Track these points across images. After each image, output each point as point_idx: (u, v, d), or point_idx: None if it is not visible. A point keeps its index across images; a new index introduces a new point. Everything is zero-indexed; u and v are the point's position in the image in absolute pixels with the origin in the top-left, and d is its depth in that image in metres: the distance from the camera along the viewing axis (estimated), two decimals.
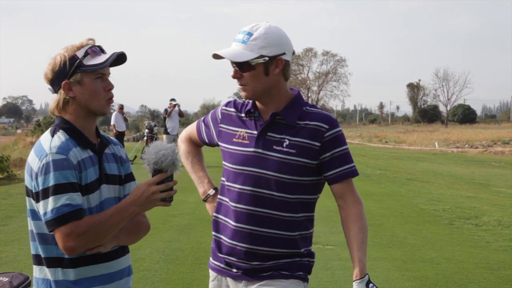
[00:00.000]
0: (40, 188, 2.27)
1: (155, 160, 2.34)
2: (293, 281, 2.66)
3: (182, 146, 3.05)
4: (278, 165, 2.61)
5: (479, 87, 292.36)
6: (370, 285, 2.53)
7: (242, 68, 2.61)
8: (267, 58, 2.58)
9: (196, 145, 3.04)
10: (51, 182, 2.25)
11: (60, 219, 2.24)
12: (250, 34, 2.59)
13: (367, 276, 2.55)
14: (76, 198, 2.27)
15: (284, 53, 2.62)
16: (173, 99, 19.55)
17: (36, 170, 2.29)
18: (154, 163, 2.35)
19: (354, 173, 2.68)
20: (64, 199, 2.24)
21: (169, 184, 2.37)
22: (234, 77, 2.65)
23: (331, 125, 2.64)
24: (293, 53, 2.73)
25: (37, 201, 2.30)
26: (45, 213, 2.26)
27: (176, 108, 19.35)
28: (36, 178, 2.29)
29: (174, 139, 19.01)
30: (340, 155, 2.64)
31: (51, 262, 2.36)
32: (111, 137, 2.64)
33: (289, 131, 2.64)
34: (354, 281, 2.55)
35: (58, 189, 2.24)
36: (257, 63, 2.58)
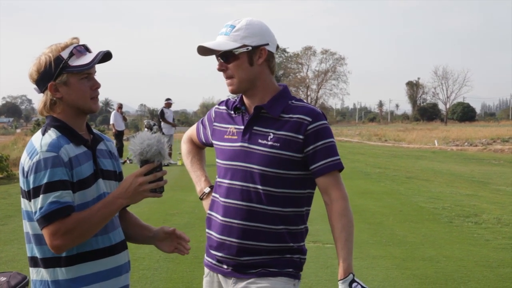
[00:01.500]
0: (31, 186, 2.27)
1: (140, 151, 2.34)
2: (281, 278, 2.66)
3: (183, 146, 3.11)
4: (263, 159, 2.62)
5: (478, 85, 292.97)
6: (354, 284, 2.49)
7: (226, 59, 2.64)
8: (250, 48, 2.62)
9: (196, 145, 3.08)
10: (42, 180, 2.25)
11: (47, 217, 2.24)
12: (232, 26, 2.65)
13: (351, 275, 2.52)
14: (65, 195, 2.26)
15: (267, 44, 2.66)
16: (169, 99, 20.13)
17: (27, 169, 2.29)
18: (139, 153, 2.34)
19: (338, 166, 2.65)
20: (52, 197, 2.24)
21: (157, 175, 2.35)
22: (219, 69, 2.69)
23: (314, 118, 2.64)
24: (277, 47, 2.75)
25: (29, 199, 2.30)
26: (35, 212, 2.27)
27: (171, 108, 19.97)
28: (27, 177, 2.29)
29: (169, 138, 19.51)
30: (323, 148, 2.63)
31: (48, 262, 2.35)
32: (104, 134, 2.64)
33: (273, 125, 2.65)
34: (338, 281, 2.55)
35: (49, 187, 2.24)
36: (241, 53, 2.62)
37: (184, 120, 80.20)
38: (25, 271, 3.93)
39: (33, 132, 39.32)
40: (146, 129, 20.03)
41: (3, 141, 36.59)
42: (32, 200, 2.28)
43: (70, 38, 2.43)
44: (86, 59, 2.39)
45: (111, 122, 20.92)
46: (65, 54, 2.37)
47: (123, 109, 22.14)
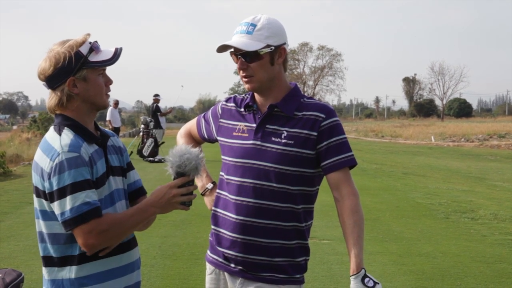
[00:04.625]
0: (55, 188, 2.25)
1: (179, 164, 2.35)
2: (289, 287, 2.68)
3: (181, 140, 3.08)
4: (277, 157, 2.62)
5: (475, 81, 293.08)
6: (366, 279, 2.50)
7: (249, 58, 2.63)
8: (273, 48, 2.63)
9: (194, 140, 3.06)
10: (67, 181, 2.23)
11: (80, 217, 2.23)
12: (254, 25, 2.63)
13: (363, 270, 2.53)
14: (92, 195, 2.27)
15: (285, 43, 2.68)
16: (157, 95, 20.59)
17: (49, 170, 2.26)
18: (177, 166, 2.36)
19: (351, 162, 2.66)
20: (82, 197, 2.23)
21: (190, 188, 2.38)
22: (240, 68, 2.66)
23: (327, 115, 2.65)
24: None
25: (52, 201, 2.27)
26: (62, 213, 2.25)
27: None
28: (49, 178, 2.26)
29: (163, 132, 19.99)
30: (336, 144, 2.64)
31: (64, 261, 2.34)
32: (108, 130, 2.63)
33: (287, 123, 2.66)
34: (350, 276, 2.55)
35: (75, 188, 2.23)
36: (265, 53, 2.62)
37: (181, 116, 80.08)
38: (21, 268, 3.92)
39: (29, 128, 39.24)
40: (142, 125, 20.08)
41: None
42: (56, 201, 2.25)
43: (84, 34, 2.42)
44: (105, 55, 2.40)
45: (108, 118, 20.94)
46: (84, 50, 2.37)
47: (120, 106, 22.18)
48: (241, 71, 2.67)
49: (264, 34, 2.61)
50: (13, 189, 12.20)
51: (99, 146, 2.42)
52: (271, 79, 2.67)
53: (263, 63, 2.63)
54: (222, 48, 2.67)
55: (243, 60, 2.64)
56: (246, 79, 2.67)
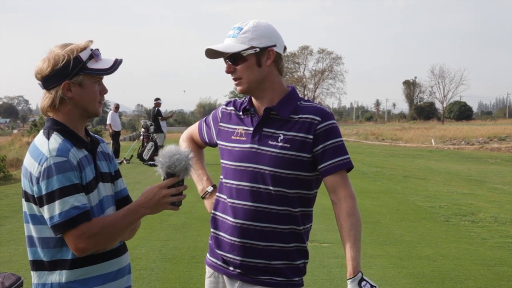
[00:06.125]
0: (44, 192, 2.25)
1: (169, 164, 2.35)
2: None
3: (183, 144, 3.10)
4: (273, 160, 2.63)
5: (475, 84, 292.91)
6: (363, 283, 2.50)
7: (234, 61, 2.65)
8: (258, 49, 2.63)
9: (196, 144, 3.07)
10: (55, 186, 2.24)
11: (69, 222, 2.23)
12: (240, 28, 2.66)
13: (360, 274, 2.52)
14: (81, 199, 2.27)
15: (275, 45, 2.67)
16: (158, 99, 20.65)
17: (37, 175, 2.27)
18: (167, 166, 2.36)
19: (347, 165, 2.66)
20: (71, 201, 2.24)
21: (180, 189, 2.39)
22: (227, 71, 2.69)
23: (323, 118, 2.65)
24: (285, 48, 2.77)
25: (41, 205, 2.28)
26: (51, 217, 2.25)
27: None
28: (38, 183, 2.27)
29: (165, 136, 20.05)
30: (332, 148, 2.64)
31: (54, 265, 2.35)
32: (97, 135, 2.64)
33: (283, 126, 2.66)
34: (347, 280, 2.55)
35: (64, 192, 2.24)
36: (249, 54, 2.63)
37: (181, 120, 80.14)
38: (21, 272, 3.92)
39: (30, 132, 39.24)
40: (143, 129, 20.10)
41: (0, 142, 36.49)
42: (45, 206, 2.26)
43: (87, 40, 2.43)
44: (104, 63, 2.41)
45: (108, 122, 20.96)
46: (84, 56, 2.38)
47: (120, 110, 22.22)
48: (230, 74, 2.70)
49: (249, 36, 2.63)
50: (13, 193, 12.20)
51: (88, 152, 2.43)
52: (260, 81, 2.68)
53: (249, 65, 2.64)
54: (210, 53, 2.69)
55: (230, 63, 2.67)
56: (235, 82, 2.70)
